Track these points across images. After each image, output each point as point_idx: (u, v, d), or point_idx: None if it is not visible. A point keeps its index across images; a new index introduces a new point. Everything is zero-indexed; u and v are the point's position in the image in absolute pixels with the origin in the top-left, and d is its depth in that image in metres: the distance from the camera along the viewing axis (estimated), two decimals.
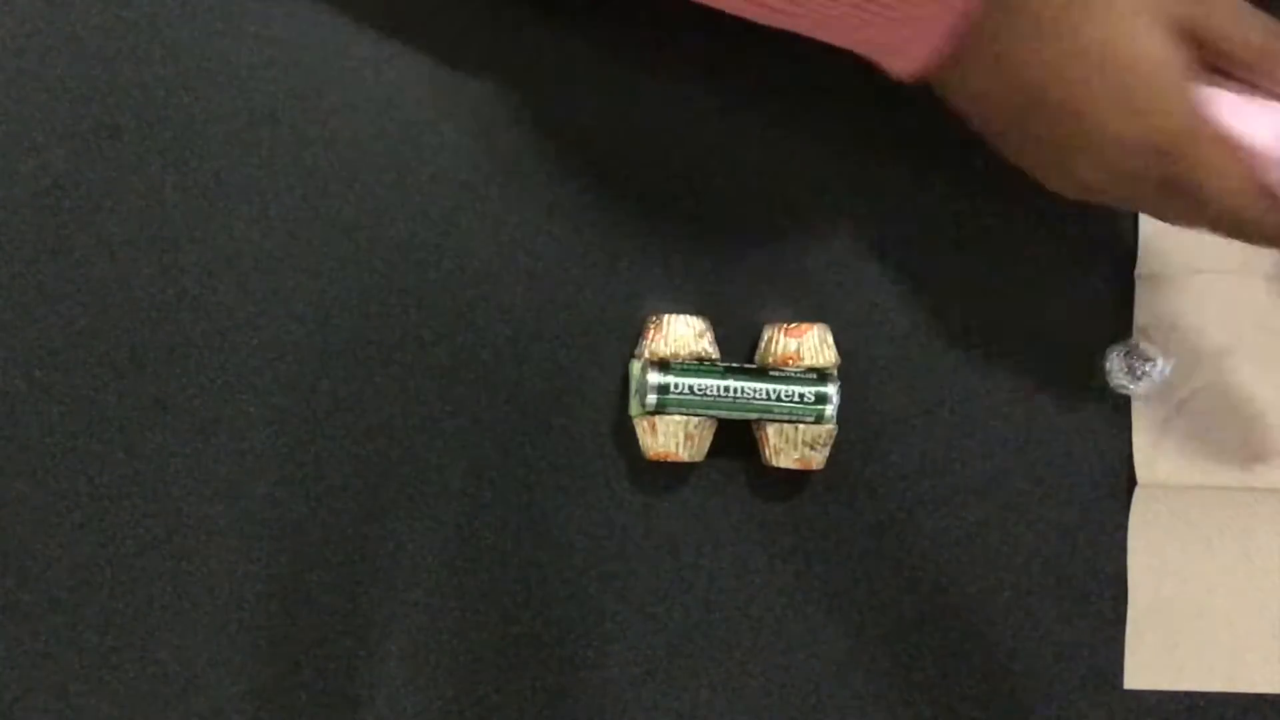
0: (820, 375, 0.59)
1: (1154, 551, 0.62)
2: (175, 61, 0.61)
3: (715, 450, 0.60)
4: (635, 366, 0.60)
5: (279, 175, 0.62)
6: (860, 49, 0.52)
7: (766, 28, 0.54)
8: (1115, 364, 0.62)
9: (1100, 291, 0.62)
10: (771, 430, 0.59)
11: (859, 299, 0.62)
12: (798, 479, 0.62)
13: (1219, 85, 0.50)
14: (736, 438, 0.61)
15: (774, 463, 0.60)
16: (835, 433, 0.59)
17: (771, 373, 0.59)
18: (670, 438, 0.59)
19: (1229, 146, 0.49)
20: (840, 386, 0.59)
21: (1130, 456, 0.62)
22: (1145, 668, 0.62)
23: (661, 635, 0.62)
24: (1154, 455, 0.62)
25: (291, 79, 0.61)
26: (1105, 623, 0.62)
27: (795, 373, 0.59)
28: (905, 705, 0.62)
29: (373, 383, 0.62)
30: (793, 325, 0.60)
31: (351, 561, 0.62)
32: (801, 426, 0.59)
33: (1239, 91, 0.50)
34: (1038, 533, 0.62)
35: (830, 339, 0.60)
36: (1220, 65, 0.50)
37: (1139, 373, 0.61)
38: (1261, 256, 0.62)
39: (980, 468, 0.62)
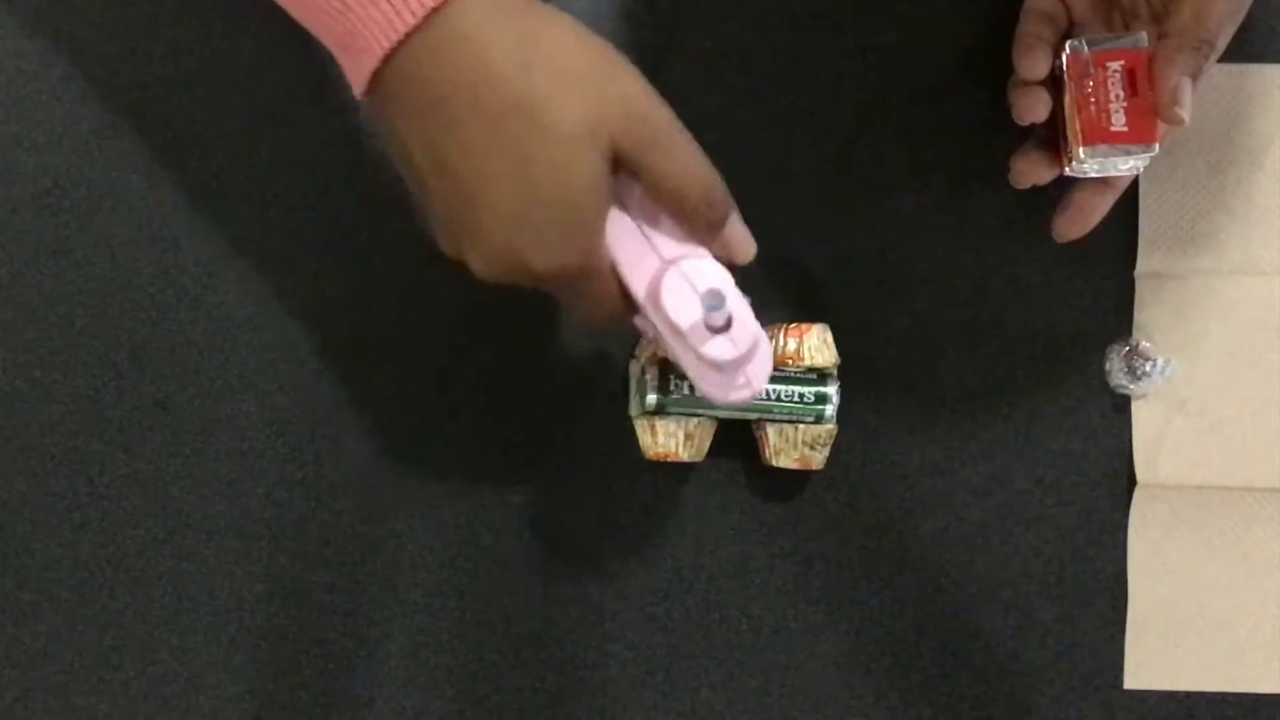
0: (820, 375, 0.59)
1: (1154, 551, 0.62)
2: (175, 61, 0.61)
3: (715, 450, 0.60)
4: (635, 367, 0.60)
5: (279, 175, 0.62)
6: (324, 39, 0.48)
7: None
8: (1115, 364, 0.62)
9: (1100, 291, 0.62)
10: (771, 430, 0.59)
11: (859, 299, 0.62)
12: (798, 479, 0.62)
13: (624, 207, 0.49)
14: (736, 438, 0.61)
15: (774, 463, 0.60)
16: (835, 433, 0.59)
17: (772, 372, 0.59)
18: (670, 438, 0.59)
19: (608, 277, 0.49)
20: (840, 386, 0.59)
21: (1130, 456, 0.62)
22: (1145, 668, 0.62)
23: (661, 635, 0.62)
24: (1154, 455, 0.62)
25: (291, 79, 0.61)
26: (1105, 623, 0.62)
27: (795, 373, 0.59)
28: (905, 705, 0.62)
29: (373, 383, 0.62)
30: (793, 325, 0.59)
31: (351, 561, 0.62)
32: (801, 426, 0.59)
33: (637, 219, 0.49)
34: (1038, 533, 0.62)
35: (830, 339, 0.59)
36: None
37: (1139, 372, 0.61)
38: (1261, 256, 0.62)
39: (980, 468, 0.62)
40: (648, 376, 0.58)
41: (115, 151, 0.61)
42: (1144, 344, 0.61)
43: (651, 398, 0.58)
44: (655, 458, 0.59)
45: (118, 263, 0.61)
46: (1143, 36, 0.55)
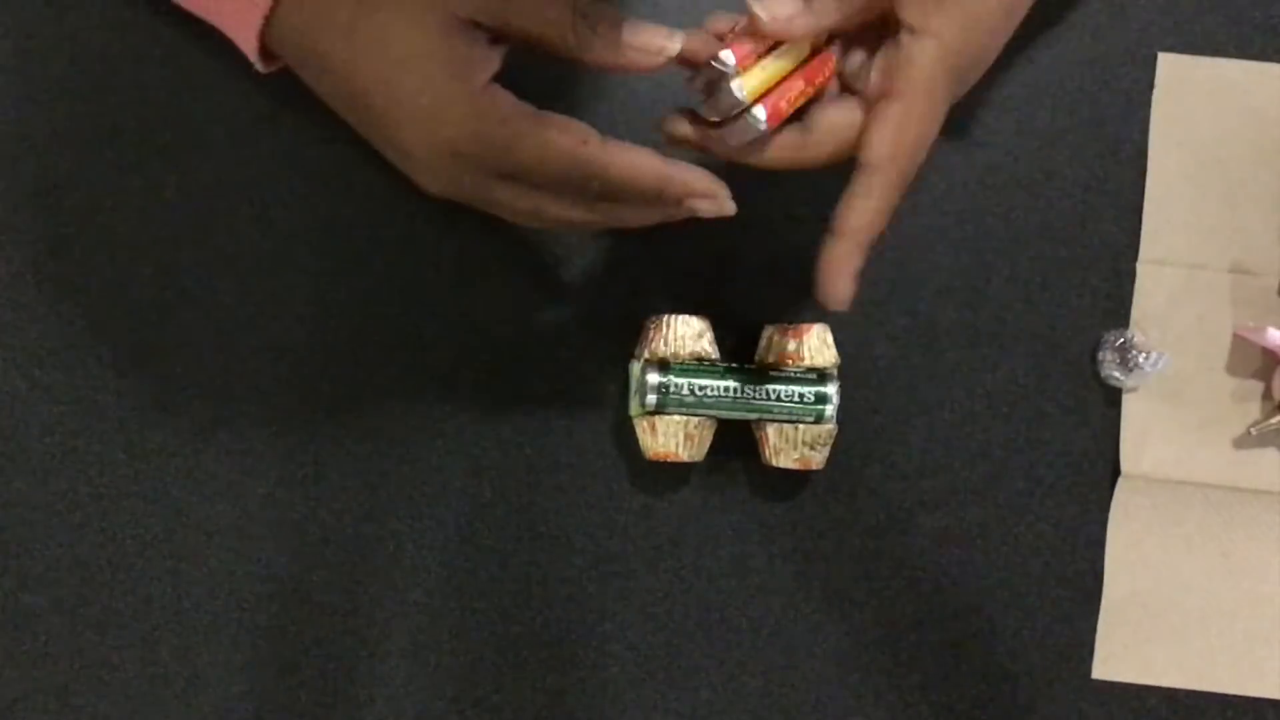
0: (820, 375, 0.59)
1: (1133, 544, 0.62)
2: (175, 61, 0.61)
3: (715, 450, 0.60)
4: (635, 366, 0.60)
5: (279, 175, 0.62)
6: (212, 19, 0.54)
7: None
8: (1108, 355, 0.62)
9: (1100, 290, 0.63)
10: (771, 430, 0.59)
11: (859, 299, 0.62)
12: (798, 479, 0.62)
13: None
14: (736, 438, 0.61)
15: (774, 463, 0.60)
16: (835, 433, 0.59)
17: (771, 373, 0.59)
18: (670, 438, 0.59)
19: (540, 124, 0.50)
20: (840, 386, 0.59)
21: None
22: (1114, 658, 0.62)
23: (661, 635, 0.62)
24: (1140, 447, 0.62)
25: (291, 80, 0.61)
26: None
27: (795, 373, 0.59)
28: (905, 705, 0.62)
29: (373, 383, 0.62)
30: (793, 325, 0.60)
31: (351, 561, 0.62)
32: (801, 426, 0.59)
33: None
34: (1038, 533, 0.62)
35: (830, 339, 0.60)
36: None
37: (1131, 364, 0.61)
38: (1261, 258, 0.62)
39: (980, 467, 0.62)
40: (648, 376, 0.58)
41: (115, 151, 0.61)
42: (1138, 337, 0.62)
43: (651, 398, 0.58)
44: (655, 458, 0.59)
45: (118, 263, 0.61)
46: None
